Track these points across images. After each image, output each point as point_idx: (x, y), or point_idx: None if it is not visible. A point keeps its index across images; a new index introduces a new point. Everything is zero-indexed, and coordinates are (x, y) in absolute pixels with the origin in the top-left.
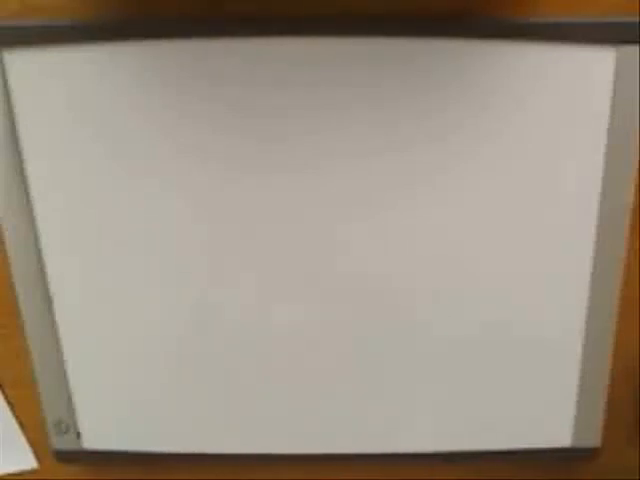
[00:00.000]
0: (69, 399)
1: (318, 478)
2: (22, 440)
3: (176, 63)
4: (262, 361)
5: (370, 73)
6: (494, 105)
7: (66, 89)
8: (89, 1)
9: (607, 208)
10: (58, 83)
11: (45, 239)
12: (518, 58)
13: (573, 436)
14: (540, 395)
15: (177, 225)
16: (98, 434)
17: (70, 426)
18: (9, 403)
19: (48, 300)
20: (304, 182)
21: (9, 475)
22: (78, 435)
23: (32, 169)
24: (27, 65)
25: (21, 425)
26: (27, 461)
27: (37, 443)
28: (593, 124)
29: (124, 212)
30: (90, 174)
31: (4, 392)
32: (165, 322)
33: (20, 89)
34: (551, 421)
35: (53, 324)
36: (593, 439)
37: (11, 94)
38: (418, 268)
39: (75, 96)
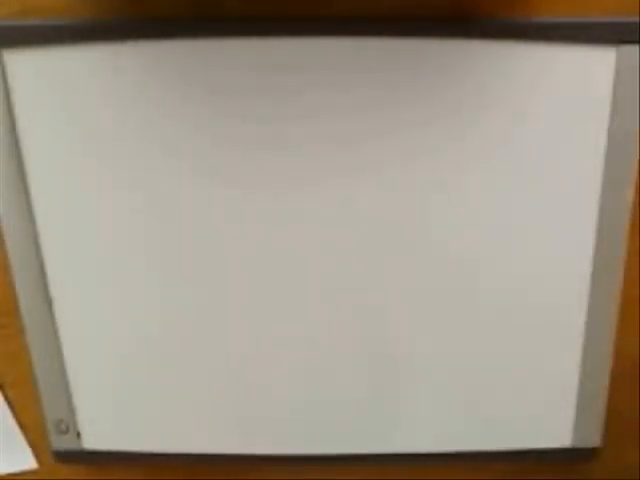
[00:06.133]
0: (69, 399)
1: (318, 478)
2: (22, 440)
3: (176, 63)
4: (262, 361)
5: (370, 74)
6: (494, 105)
7: (66, 89)
8: (89, 1)
9: (607, 208)
10: (58, 83)
11: (45, 239)
12: (518, 58)
13: (573, 436)
14: (540, 395)
15: (177, 225)
16: (98, 434)
17: (70, 426)
18: (9, 403)
19: (48, 300)
20: (304, 189)
21: (9, 475)
22: (78, 435)
23: (32, 169)
24: (27, 65)
25: (21, 425)
26: (27, 461)
27: (37, 443)
28: (593, 124)
29: (124, 212)
30: (90, 174)
31: (4, 392)
32: (165, 322)
33: (20, 89)
34: (551, 421)
35: (53, 324)
36: (593, 439)
37: (11, 94)
38: (417, 268)
39: (75, 96)
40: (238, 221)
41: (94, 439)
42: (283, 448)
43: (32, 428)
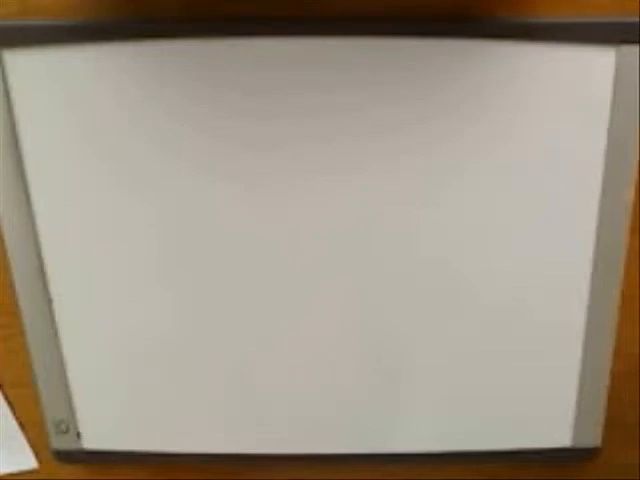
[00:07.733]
0: (69, 399)
1: (318, 478)
2: (22, 440)
3: (176, 63)
4: (262, 361)
5: (370, 73)
6: (494, 105)
7: (66, 89)
8: (89, 1)
9: (607, 208)
10: (58, 83)
11: (45, 239)
12: (518, 58)
13: (573, 436)
14: (540, 395)
15: (177, 225)
16: (98, 434)
17: (70, 426)
18: (9, 403)
19: (48, 300)
20: (305, 188)
21: (9, 475)
22: (78, 435)
23: (32, 169)
24: (27, 65)
25: (21, 425)
26: (27, 461)
27: (37, 443)
28: (593, 124)
29: (124, 212)
30: (90, 174)
31: (4, 392)
32: (165, 322)
33: (20, 89)
34: (551, 421)
35: (53, 324)
36: (593, 439)
37: (11, 94)
38: (416, 268)
39: (75, 96)
40: (238, 220)
41: (94, 439)
42: (283, 448)
43: (32, 428)
